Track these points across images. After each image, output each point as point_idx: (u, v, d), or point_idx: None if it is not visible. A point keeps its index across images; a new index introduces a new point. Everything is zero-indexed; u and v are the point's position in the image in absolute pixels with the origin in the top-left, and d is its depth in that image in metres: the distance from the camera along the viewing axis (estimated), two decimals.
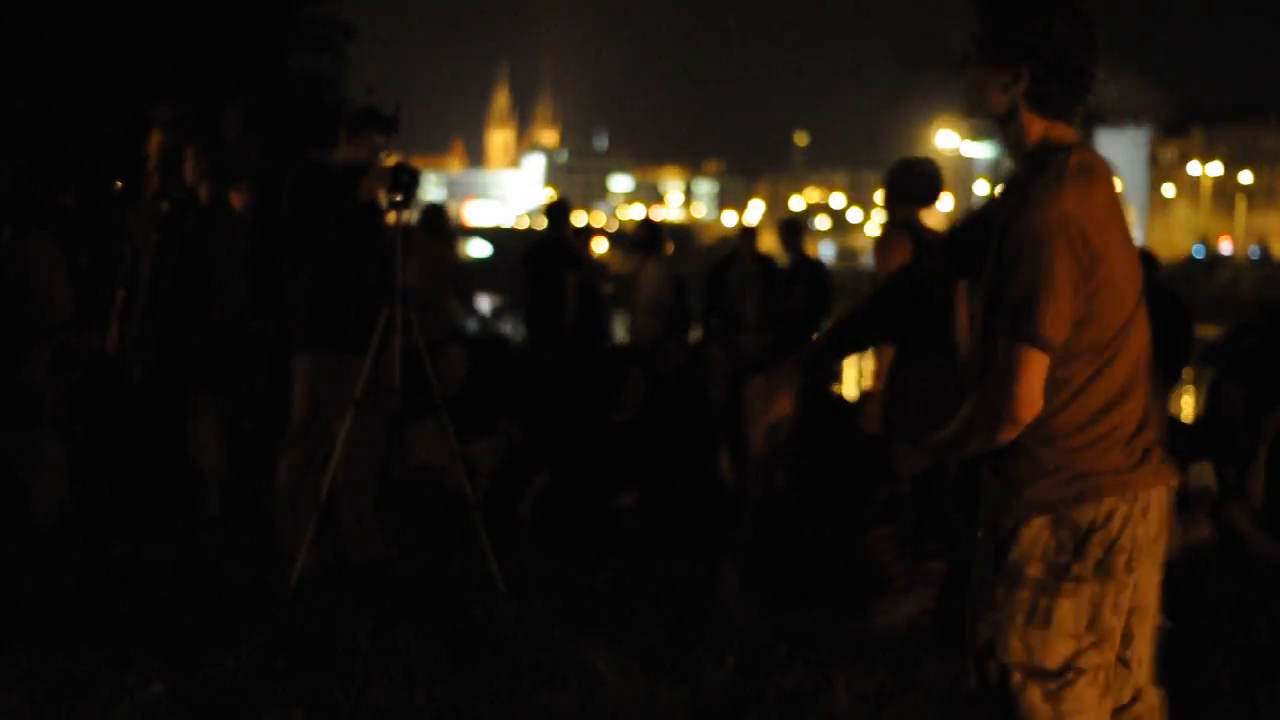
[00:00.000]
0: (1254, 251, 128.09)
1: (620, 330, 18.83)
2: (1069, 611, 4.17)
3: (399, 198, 8.45)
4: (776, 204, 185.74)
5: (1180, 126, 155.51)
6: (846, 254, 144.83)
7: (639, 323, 15.50)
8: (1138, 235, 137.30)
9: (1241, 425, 10.85)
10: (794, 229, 17.67)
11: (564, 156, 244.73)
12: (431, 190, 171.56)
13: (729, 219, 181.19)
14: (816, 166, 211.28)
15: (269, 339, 11.04)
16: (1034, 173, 4.20)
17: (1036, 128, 4.32)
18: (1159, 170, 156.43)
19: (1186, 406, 21.09)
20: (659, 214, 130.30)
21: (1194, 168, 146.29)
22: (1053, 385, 4.13)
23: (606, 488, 10.70)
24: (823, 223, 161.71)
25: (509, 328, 21.42)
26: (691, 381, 12.07)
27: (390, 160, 8.77)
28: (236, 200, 10.99)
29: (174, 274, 10.38)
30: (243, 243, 10.66)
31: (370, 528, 8.89)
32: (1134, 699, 4.39)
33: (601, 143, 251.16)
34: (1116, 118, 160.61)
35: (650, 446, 10.91)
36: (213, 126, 11.57)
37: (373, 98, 9.26)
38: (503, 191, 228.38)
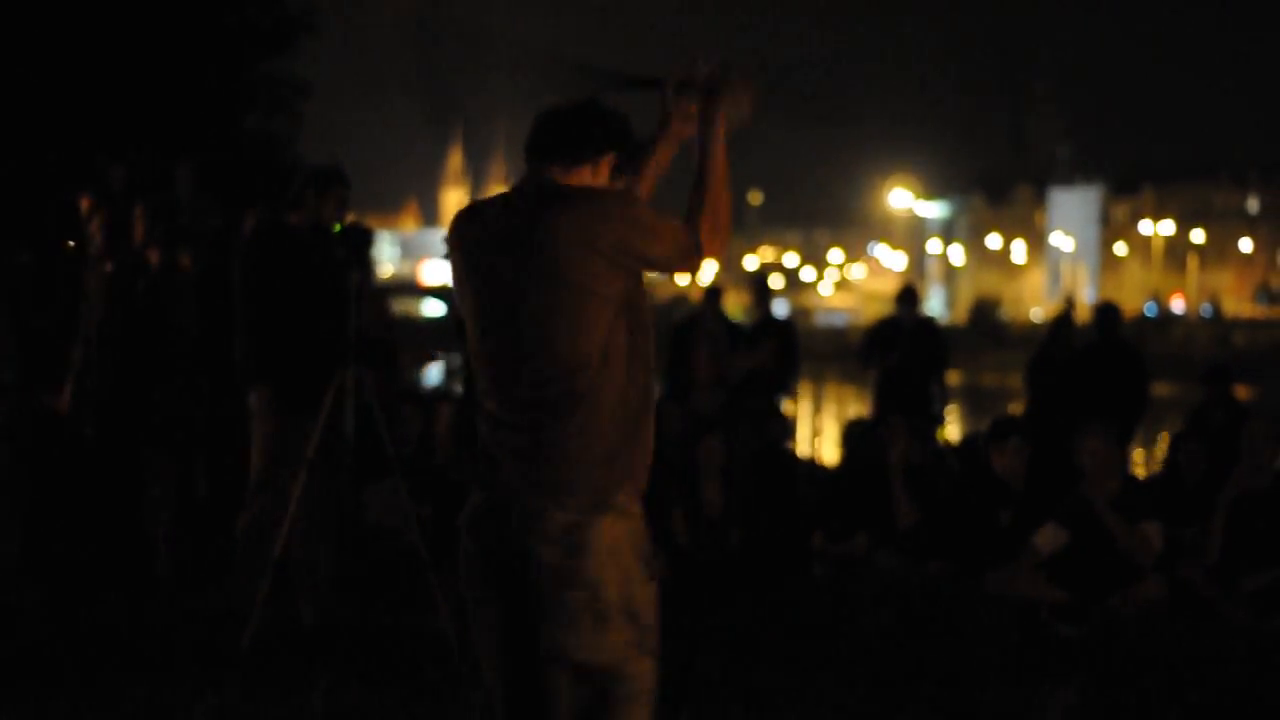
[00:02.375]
0: (1206, 310, 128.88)
1: None
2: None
3: (352, 257, 8.44)
4: (731, 263, 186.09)
5: (1132, 185, 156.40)
6: (800, 312, 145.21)
7: None
8: (1090, 293, 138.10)
9: (1199, 484, 10.90)
10: (763, 286, 17.69)
11: None
12: (386, 250, 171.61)
13: (682, 278, 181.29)
14: (770, 225, 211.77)
15: (222, 400, 11.02)
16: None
17: None
18: (1111, 229, 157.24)
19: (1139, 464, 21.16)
20: None
21: (1146, 226, 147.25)
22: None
23: None
24: (776, 281, 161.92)
25: (461, 387, 21.38)
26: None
27: (347, 219, 8.77)
28: (185, 261, 10.96)
29: (124, 335, 10.35)
30: (194, 303, 10.64)
31: (325, 587, 8.85)
32: None
33: None
34: (1068, 176, 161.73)
35: None
36: (165, 186, 11.55)
37: (334, 159, 9.24)
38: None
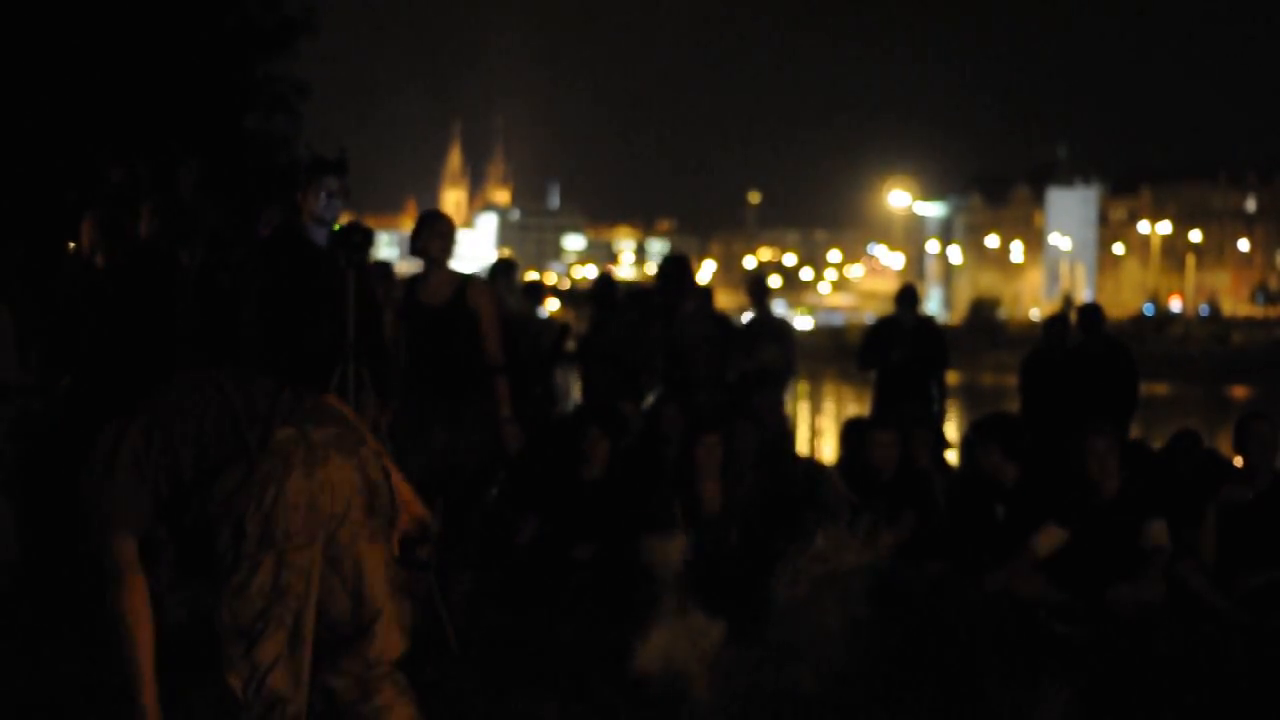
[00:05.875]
0: (1203, 309, 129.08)
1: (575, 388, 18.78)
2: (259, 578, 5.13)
3: (352, 257, 8.47)
4: (729, 263, 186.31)
5: (1130, 185, 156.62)
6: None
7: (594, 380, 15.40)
8: (1088, 293, 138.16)
9: (1196, 482, 10.90)
10: (760, 285, 17.53)
11: (516, 215, 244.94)
12: (384, 250, 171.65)
13: None
14: (769, 225, 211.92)
15: None
16: None
17: None
18: (1109, 229, 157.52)
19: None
20: (615, 271, 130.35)
21: (1144, 226, 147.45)
22: None
23: (569, 541, 10.75)
24: (774, 281, 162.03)
25: None
26: (649, 440, 12.09)
27: (343, 219, 8.79)
28: (184, 259, 10.97)
29: (123, 332, 10.36)
30: (194, 301, 10.65)
31: None
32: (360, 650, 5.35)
33: (554, 201, 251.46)
34: (1066, 176, 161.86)
35: (613, 504, 10.94)
36: (166, 185, 11.57)
37: (322, 152, 9.25)
38: (457, 250, 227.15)
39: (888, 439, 11.31)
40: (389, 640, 5.44)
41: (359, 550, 5.27)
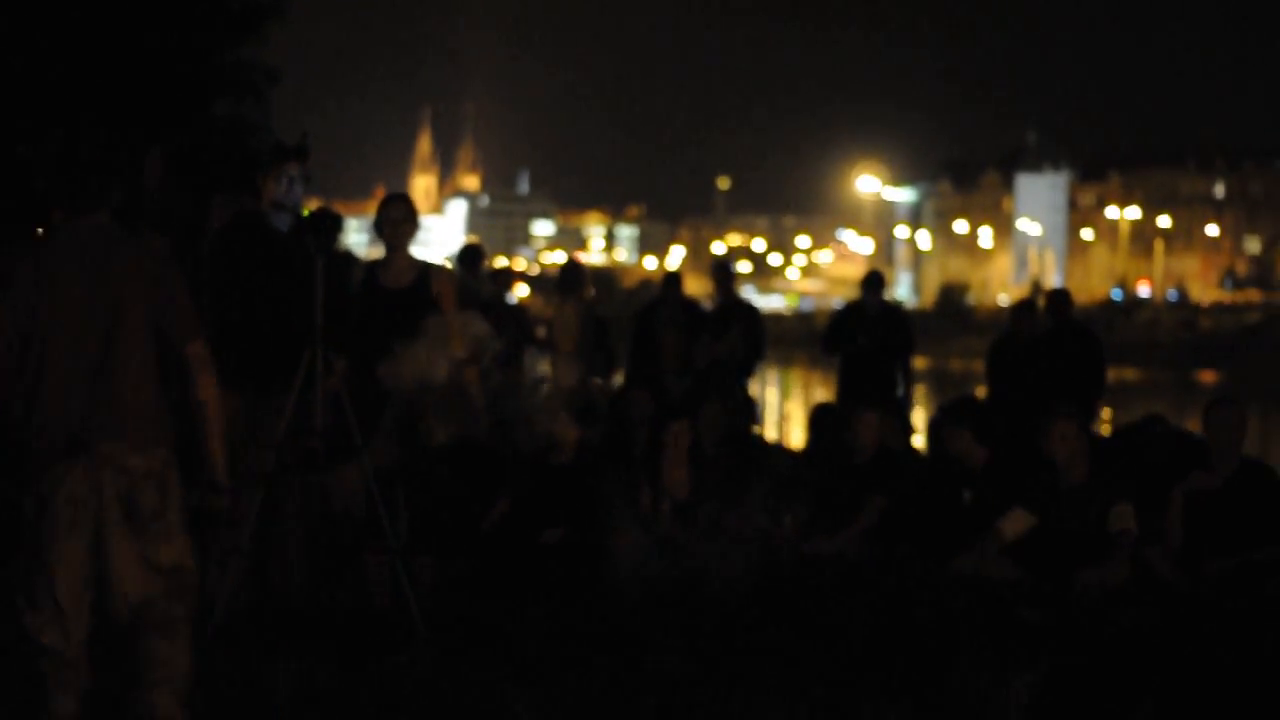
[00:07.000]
0: (1172, 295, 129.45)
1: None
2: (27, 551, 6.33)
3: (321, 242, 8.45)
4: (698, 249, 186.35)
5: (1098, 170, 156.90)
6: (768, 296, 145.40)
7: (561, 366, 15.35)
8: (1057, 278, 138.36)
9: (1163, 467, 10.92)
10: (725, 271, 17.47)
11: (485, 201, 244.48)
12: (352, 235, 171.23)
13: (650, 263, 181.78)
14: (738, 211, 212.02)
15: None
16: None
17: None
18: (1077, 214, 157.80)
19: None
20: (583, 257, 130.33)
21: (1112, 211, 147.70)
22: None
23: (537, 526, 10.76)
24: (744, 267, 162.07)
25: None
26: (616, 425, 12.10)
27: (312, 205, 8.77)
28: (155, 246, 10.92)
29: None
30: None
31: (294, 570, 8.84)
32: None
33: (523, 187, 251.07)
34: (1035, 162, 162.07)
35: (581, 489, 10.95)
36: (133, 172, 11.52)
37: (303, 136, 9.20)
38: (426, 236, 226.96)
39: (871, 420, 11.32)
40: (151, 620, 6.42)
41: (112, 548, 6.31)
